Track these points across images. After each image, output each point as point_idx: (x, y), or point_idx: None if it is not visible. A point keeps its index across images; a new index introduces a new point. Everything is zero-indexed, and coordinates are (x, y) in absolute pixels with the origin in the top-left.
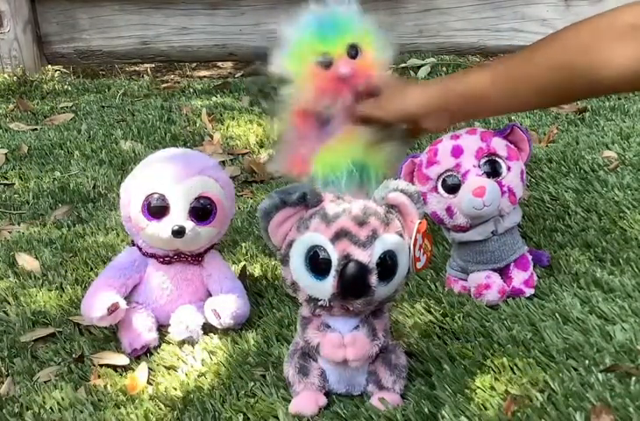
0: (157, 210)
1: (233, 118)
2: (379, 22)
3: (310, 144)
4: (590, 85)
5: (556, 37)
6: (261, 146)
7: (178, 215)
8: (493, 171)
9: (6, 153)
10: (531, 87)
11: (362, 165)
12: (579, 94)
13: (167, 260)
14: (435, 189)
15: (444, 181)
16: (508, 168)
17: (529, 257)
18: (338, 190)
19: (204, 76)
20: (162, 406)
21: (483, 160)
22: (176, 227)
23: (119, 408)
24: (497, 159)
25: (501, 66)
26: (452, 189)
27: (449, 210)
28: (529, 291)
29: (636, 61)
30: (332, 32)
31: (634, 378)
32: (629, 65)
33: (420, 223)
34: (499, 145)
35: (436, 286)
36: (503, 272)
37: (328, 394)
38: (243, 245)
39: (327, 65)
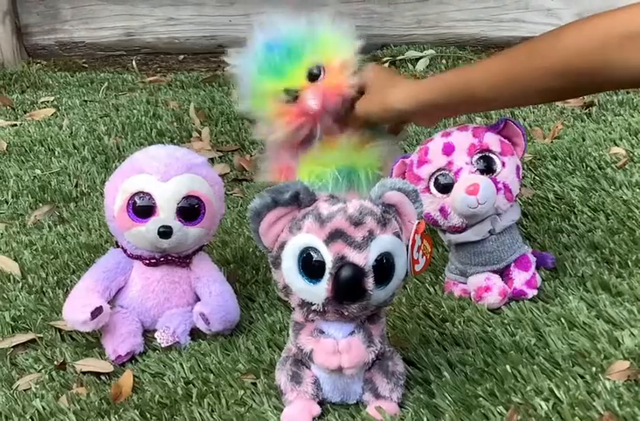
0: (143, 209)
1: (222, 113)
2: (334, 17)
3: (293, 153)
4: (598, 86)
5: (557, 37)
6: (252, 143)
7: (165, 215)
8: (487, 168)
9: None
10: (530, 88)
11: (349, 169)
12: (583, 93)
13: (153, 262)
14: (427, 189)
15: (436, 180)
16: (503, 164)
17: (531, 257)
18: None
19: (192, 69)
20: (148, 415)
21: (476, 157)
22: (163, 228)
23: (103, 417)
24: (491, 155)
25: (496, 65)
26: (445, 188)
27: (443, 210)
28: (532, 292)
29: None
30: (286, 62)
31: None
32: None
33: (418, 223)
34: (492, 140)
35: (435, 289)
36: (504, 273)
37: (322, 403)
38: (232, 246)
39: (293, 100)
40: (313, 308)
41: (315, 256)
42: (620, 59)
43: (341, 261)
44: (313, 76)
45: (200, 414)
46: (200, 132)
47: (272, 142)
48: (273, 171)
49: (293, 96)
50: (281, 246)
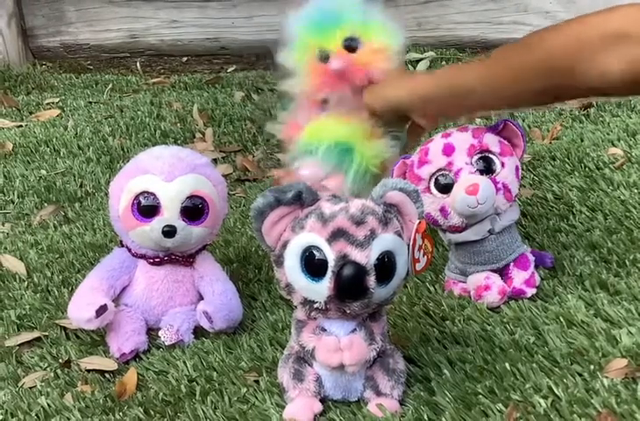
0: (147, 209)
1: (225, 114)
2: (385, 12)
3: (309, 114)
4: (583, 90)
5: (544, 35)
6: (254, 144)
7: (169, 214)
8: (487, 168)
9: None
10: (519, 87)
11: (347, 148)
12: (568, 96)
13: (157, 261)
14: (427, 189)
15: (436, 180)
16: (502, 164)
17: (530, 256)
18: (314, 160)
19: (195, 71)
20: (152, 413)
21: (476, 158)
22: (167, 227)
23: (107, 414)
24: (490, 155)
25: (490, 63)
26: (445, 188)
27: (443, 210)
28: (531, 291)
29: (622, 70)
30: (331, 24)
31: None
32: (616, 72)
33: (419, 223)
34: (491, 141)
35: (435, 288)
36: (503, 272)
37: (323, 400)
38: (235, 245)
39: (324, 59)
40: (315, 306)
41: (317, 255)
42: (601, 58)
43: (343, 260)
44: (351, 49)
45: (203, 411)
46: (203, 133)
47: (297, 96)
48: (283, 125)
49: (325, 55)
50: (284, 245)
